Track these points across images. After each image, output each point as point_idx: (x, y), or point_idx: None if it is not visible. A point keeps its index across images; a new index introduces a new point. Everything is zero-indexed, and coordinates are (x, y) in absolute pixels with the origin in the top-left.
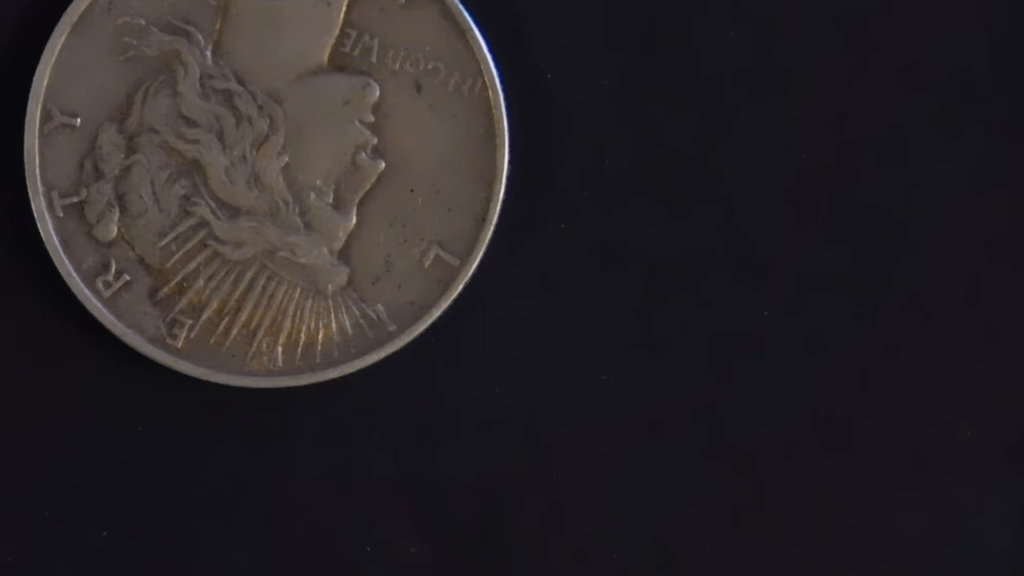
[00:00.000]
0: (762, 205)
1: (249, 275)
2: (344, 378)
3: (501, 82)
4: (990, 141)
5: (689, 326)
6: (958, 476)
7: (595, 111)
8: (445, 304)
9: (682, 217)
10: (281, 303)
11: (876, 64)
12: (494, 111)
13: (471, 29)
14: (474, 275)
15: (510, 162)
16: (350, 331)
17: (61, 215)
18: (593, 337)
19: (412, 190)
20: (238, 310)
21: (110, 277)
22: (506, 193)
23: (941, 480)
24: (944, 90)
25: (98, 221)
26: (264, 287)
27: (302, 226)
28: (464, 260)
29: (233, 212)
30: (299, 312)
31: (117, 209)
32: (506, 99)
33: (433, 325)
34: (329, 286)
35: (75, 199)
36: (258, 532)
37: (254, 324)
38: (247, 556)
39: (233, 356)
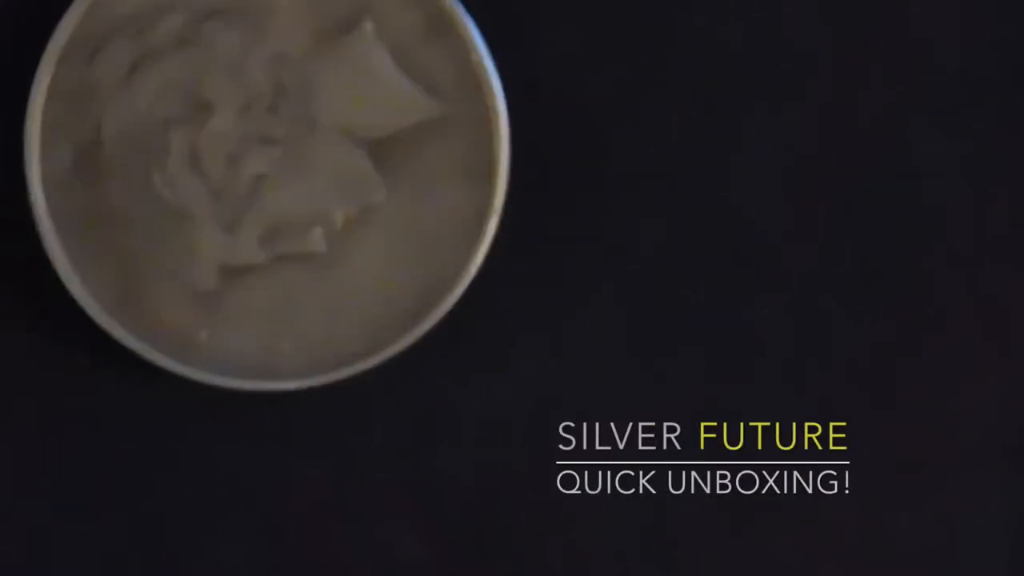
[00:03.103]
0: (762, 205)
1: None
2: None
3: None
4: (991, 141)
5: (689, 326)
6: (958, 476)
7: (595, 111)
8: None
9: (682, 217)
10: None
11: (876, 64)
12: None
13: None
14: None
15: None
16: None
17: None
18: (593, 337)
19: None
20: None
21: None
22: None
23: (941, 480)
24: (944, 90)
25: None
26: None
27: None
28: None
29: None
30: None
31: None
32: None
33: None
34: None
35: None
36: (258, 532)
37: None
38: (247, 556)
39: None
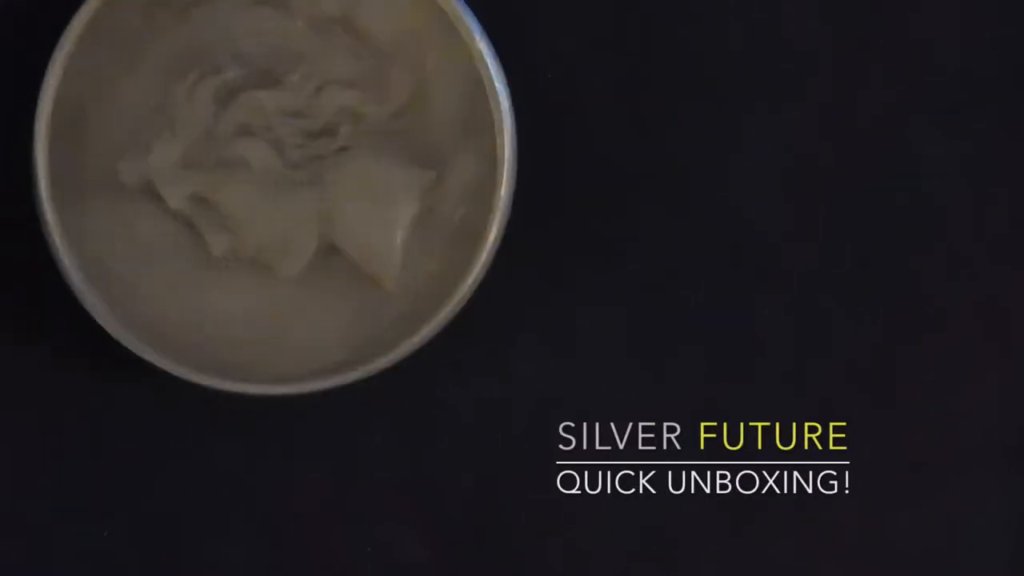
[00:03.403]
0: (762, 205)
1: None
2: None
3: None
4: (991, 141)
5: (689, 326)
6: (958, 476)
7: (596, 110)
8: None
9: (682, 217)
10: None
11: (876, 64)
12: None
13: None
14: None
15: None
16: None
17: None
18: (593, 337)
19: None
20: None
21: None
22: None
23: (941, 480)
24: (944, 90)
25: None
26: None
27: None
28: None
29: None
30: None
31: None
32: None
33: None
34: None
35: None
36: (258, 532)
37: None
38: (247, 556)
39: None
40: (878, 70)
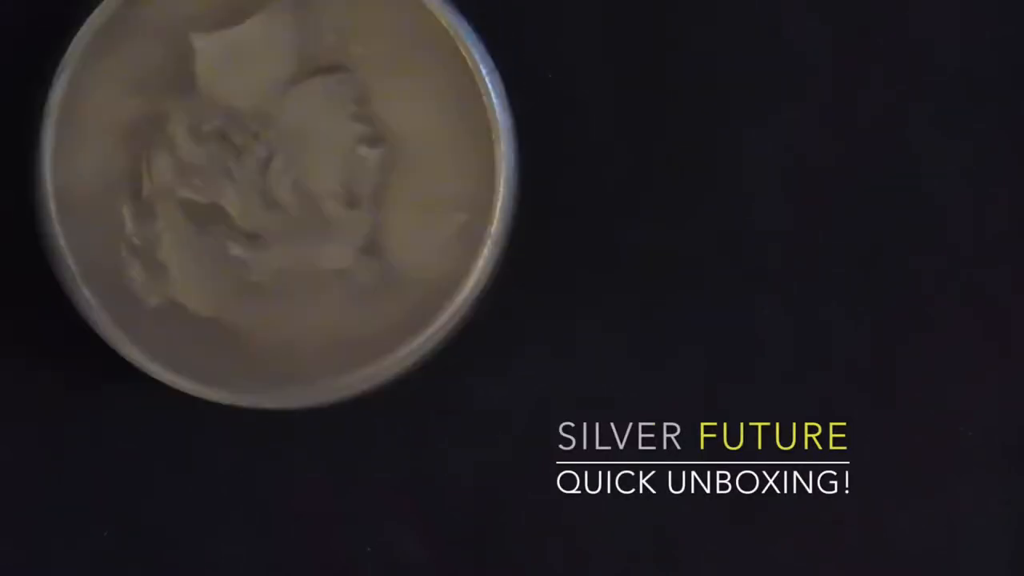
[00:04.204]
0: (762, 205)
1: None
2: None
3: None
4: (991, 141)
5: (689, 326)
6: (958, 476)
7: (595, 111)
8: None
9: (682, 217)
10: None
11: (876, 64)
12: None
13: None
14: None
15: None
16: None
17: (102, 294)
18: (593, 337)
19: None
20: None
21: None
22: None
23: (941, 480)
24: (944, 90)
25: (147, 296)
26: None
27: (325, 233)
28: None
29: (262, 241)
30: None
31: (163, 277)
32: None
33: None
34: (359, 285)
35: (118, 279)
36: (258, 532)
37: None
38: (247, 556)
39: None
40: (878, 70)
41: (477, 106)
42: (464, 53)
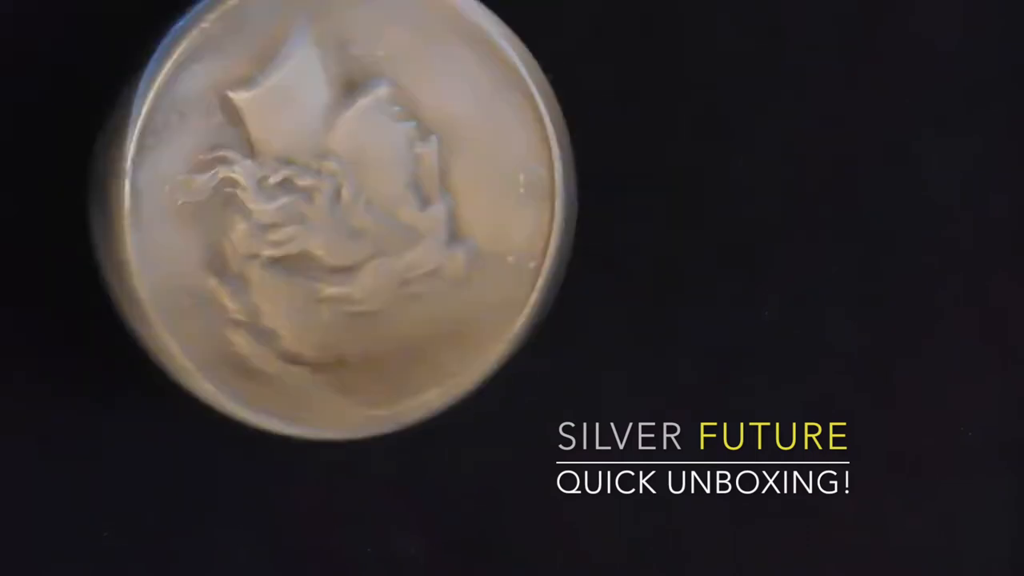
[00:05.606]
0: (762, 205)
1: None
2: None
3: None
4: (991, 141)
5: (689, 326)
6: (958, 476)
7: (595, 110)
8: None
9: (682, 217)
10: None
11: (876, 64)
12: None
13: None
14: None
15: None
16: None
17: (219, 384)
18: (593, 336)
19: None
20: None
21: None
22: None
23: (941, 480)
24: (944, 90)
25: (264, 366)
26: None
27: (410, 239)
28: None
29: (350, 273)
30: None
31: (274, 342)
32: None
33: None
34: (453, 276)
35: (229, 358)
36: (258, 532)
37: None
38: (247, 556)
39: None
40: (878, 70)
41: (509, 82)
42: (487, 39)
